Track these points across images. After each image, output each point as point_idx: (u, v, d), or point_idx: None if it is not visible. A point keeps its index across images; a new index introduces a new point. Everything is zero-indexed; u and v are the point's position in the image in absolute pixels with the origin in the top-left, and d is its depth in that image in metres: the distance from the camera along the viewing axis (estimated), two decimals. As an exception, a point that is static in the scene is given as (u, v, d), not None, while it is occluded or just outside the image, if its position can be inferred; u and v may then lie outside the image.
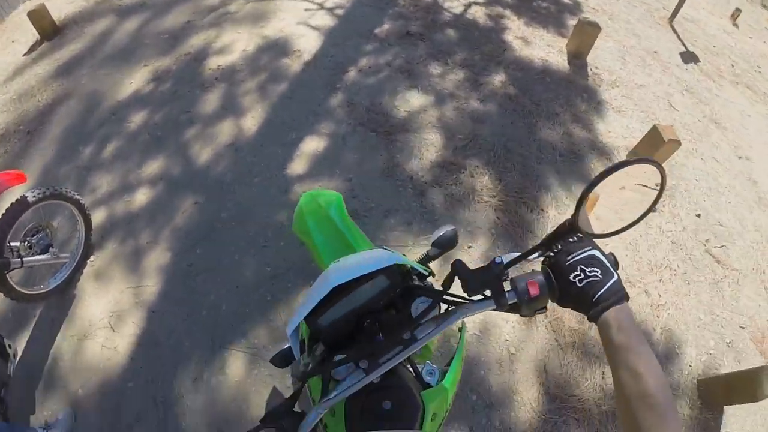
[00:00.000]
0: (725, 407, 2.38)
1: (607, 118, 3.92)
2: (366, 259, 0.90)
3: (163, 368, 2.19)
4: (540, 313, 0.82)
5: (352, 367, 0.84)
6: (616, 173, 0.71)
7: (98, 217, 2.77)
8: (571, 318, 2.52)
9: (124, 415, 2.10)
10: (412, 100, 3.63)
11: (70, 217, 2.54)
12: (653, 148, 3.25)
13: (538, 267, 0.84)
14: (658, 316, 2.68)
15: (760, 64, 7.01)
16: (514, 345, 2.39)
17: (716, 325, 2.76)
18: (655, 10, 6.88)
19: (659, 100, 4.46)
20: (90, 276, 2.52)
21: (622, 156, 3.56)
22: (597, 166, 3.41)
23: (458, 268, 0.84)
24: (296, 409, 0.85)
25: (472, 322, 2.44)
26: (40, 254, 2.27)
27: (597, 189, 0.73)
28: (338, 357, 0.84)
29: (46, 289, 2.35)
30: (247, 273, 2.53)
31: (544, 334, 2.46)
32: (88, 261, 2.58)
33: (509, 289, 0.82)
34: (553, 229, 0.80)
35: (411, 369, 1.00)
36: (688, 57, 5.80)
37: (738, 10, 8.75)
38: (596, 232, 0.79)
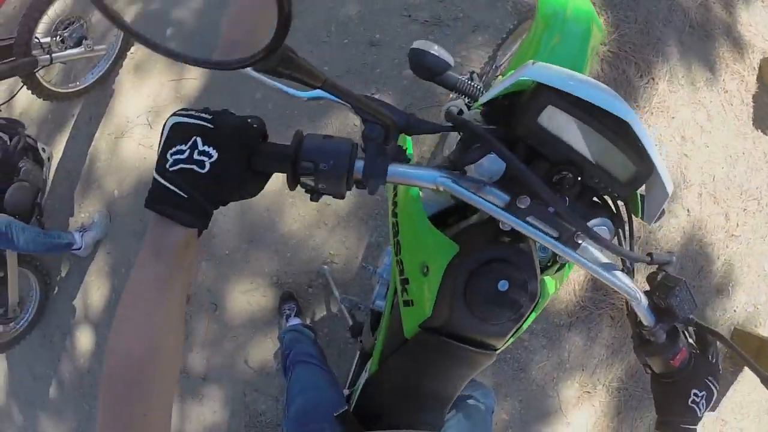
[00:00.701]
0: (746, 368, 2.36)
1: (753, 9, 3.30)
2: (654, 144, 0.63)
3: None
4: (645, 368, 0.77)
5: (493, 181, 0.63)
6: None
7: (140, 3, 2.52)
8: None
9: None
10: None
11: None
12: None
13: None
14: (727, 246, 2.49)
15: None
16: None
17: None
18: None
19: None
20: (129, 69, 2.39)
21: (756, 58, 3.03)
22: (726, 56, 2.90)
23: (673, 286, 0.67)
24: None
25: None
26: (72, 48, 2.15)
27: None
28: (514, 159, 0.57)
29: (82, 86, 2.27)
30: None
31: None
32: (129, 53, 2.42)
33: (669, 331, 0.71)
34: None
35: None
36: None
37: None
38: None
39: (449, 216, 0.83)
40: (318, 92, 0.60)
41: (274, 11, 0.32)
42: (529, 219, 0.60)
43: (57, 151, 2.45)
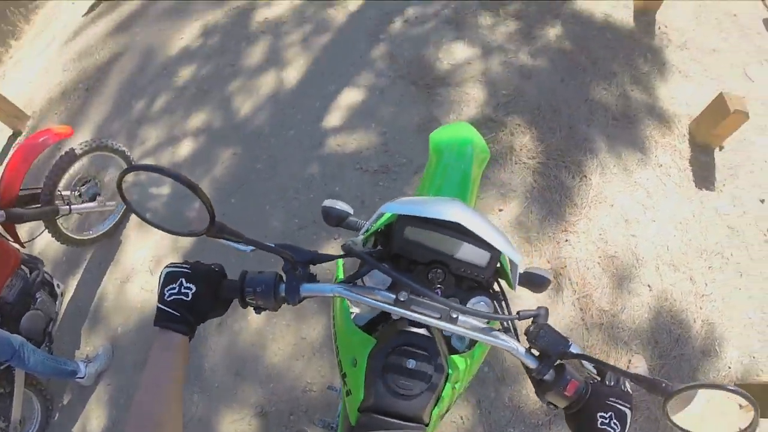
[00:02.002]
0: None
1: (671, 83, 3.54)
2: (497, 231, 0.83)
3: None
4: (549, 407, 0.84)
5: (387, 286, 0.88)
6: (714, 391, 0.72)
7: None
8: (601, 298, 2.42)
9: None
10: (456, 53, 3.47)
11: (118, 168, 2.75)
12: (717, 118, 2.93)
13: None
14: (701, 307, 2.50)
15: None
16: None
17: (765, 325, 2.53)
18: None
19: (733, 69, 3.92)
20: (135, 224, 2.79)
21: (683, 126, 3.23)
22: (654, 134, 3.14)
23: (538, 330, 0.82)
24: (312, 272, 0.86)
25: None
26: (88, 202, 2.53)
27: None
28: (387, 265, 0.80)
29: (95, 235, 2.64)
30: (275, 223, 2.68)
31: (570, 311, 2.39)
32: None
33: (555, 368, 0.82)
34: (642, 373, 0.81)
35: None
36: None
37: None
38: (676, 422, 0.76)
39: (378, 323, 1.04)
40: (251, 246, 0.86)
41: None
42: (413, 308, 0.78)
43: (69, 288, 2.75)
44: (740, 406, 0.72)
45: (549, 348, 0.80)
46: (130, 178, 0.70)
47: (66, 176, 2.38)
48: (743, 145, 3.26)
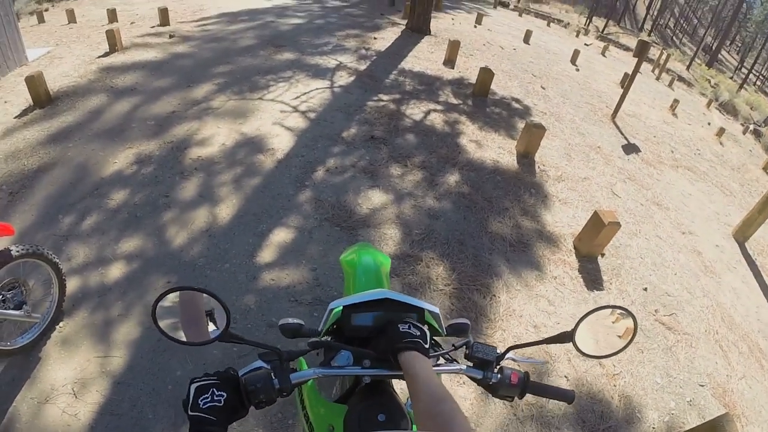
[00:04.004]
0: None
1: (554, 210, 4.42)
2: (414, 298, 1.12)
3: (125, 440, 2.22)
4: (506, 400, 1.09)
5: (351, 363, 1.06)
6: (600, 313, 1.07)
7: (72, 285, 2.86)
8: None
9: (80, 489, 2.10)
10: (373, 198, 4.03)
11: (45, 280, 2.59)
12: (596, 231, 3.67)
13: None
14: (614, 385, 2.87)
15: (699, 147, 8.04)
16: (473, 420, 2.51)
17: (674, 386, 2.98)
18: (599, 109, 7.88)
19: (603, 190, 5.06)
20: (57, 341, 2.57)
21: (569, 243, 4.01)
22: (545, 253, 3.82)
23: (472, 349, 1.08)
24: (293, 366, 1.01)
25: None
26: (12, 309, 2.31)
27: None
28: (348, 347, 1.03)
29: (12, 347, 2.36)
30: (215, 351, 2.65)
31: (502, 409, 2.58)
32: (57, 326, 2.64)
33: (497, 371, 1.07)
34: (552, 335, 1.10)
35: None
36: (630, 148, 6.65)
37: (676, 101, 10.12)
38: (585, 351, 1.08)
39: (348, 396, 1.21)
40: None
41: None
42: (374, 371, 1.02)
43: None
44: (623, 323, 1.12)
45: (485, 357, 1.07)
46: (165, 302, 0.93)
47: (-6, 277, 2.17)
48: (620, 249, 4.09)
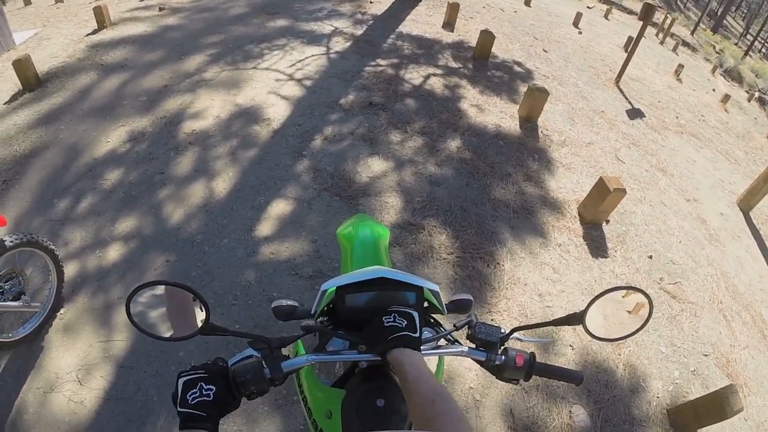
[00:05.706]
0: (698, 431, 2.51)
1: (557, 175, 4.34)
2: (412, 275, 1.06)
3: (130, 423, 2.21)
4: (512, 383, 1.05)
5: (347, 347, 1.02)
6: (615, 294, 1.00)
7: (70, 270, 2.83)
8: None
9: (89, 473, 2.10)
10: (373, 166, 3.93)
11: (43, 268, 2.55)
12: (601, 198, 3.61)
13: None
14: (619, 354, 2.87)
15: (703, 113, 7.92)
16: (479, 392, 2.50)
17: (679, 355, 2.99)
18: (602, 73, 7.71)
19: (607, 155, 4.97)
20: (59, 328, 2.55)
21: (573, 209, 3.95)
22: (549, 220, 3.75)
23: (474, 329, 1.05)
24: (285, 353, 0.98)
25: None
26: (11, 301, 2.28)
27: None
28: (342, 332, 1.00)
29: (14, 338, 2.34)
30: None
31: None
32: (58, 313, 2.61)
33: (501, 353, 1.03)
34: (561, 317, 1.05)
35: None
36: (634, 113, 6.52)
37: (681, 66, 9.91)
38: (596, 334, 1.02)
39: (346, 379, 1.17)
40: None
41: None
42: (369, 356, 0.97)
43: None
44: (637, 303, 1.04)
45: (489, 338, 1.03)
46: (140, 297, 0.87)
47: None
48: (625, 216, 4.04)
